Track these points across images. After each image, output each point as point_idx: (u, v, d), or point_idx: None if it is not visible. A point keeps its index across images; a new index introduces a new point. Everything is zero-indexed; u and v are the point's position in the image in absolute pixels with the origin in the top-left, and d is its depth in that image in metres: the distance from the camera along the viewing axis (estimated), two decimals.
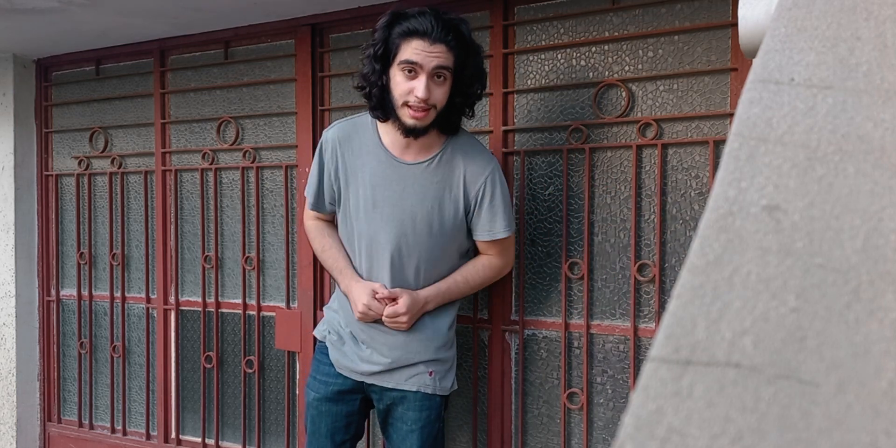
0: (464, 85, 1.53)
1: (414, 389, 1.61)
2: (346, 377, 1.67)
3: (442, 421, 1.67)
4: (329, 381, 1.69)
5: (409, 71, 1.46)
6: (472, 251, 1.72)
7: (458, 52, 1.48)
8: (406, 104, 1.49)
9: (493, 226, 1.61)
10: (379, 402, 1.67)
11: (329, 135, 1.67)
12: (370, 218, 1.61)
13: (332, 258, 1.70)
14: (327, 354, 1.70)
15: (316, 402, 1.70)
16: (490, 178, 1.60)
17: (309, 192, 1.72)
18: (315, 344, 2.15)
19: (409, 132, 1.53)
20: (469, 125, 1.85)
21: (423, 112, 1.48)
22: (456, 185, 1.60)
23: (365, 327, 1.63)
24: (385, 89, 1.51)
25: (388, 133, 1.60)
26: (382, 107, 1.54)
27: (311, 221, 1.78)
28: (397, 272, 1.60)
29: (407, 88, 1.47)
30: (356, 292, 1.61)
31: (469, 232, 1.66)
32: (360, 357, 1.64)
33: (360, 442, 1.78)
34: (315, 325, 2.17)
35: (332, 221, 1.78)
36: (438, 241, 1.60)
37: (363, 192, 1.61)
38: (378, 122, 1.62)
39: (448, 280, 1.64)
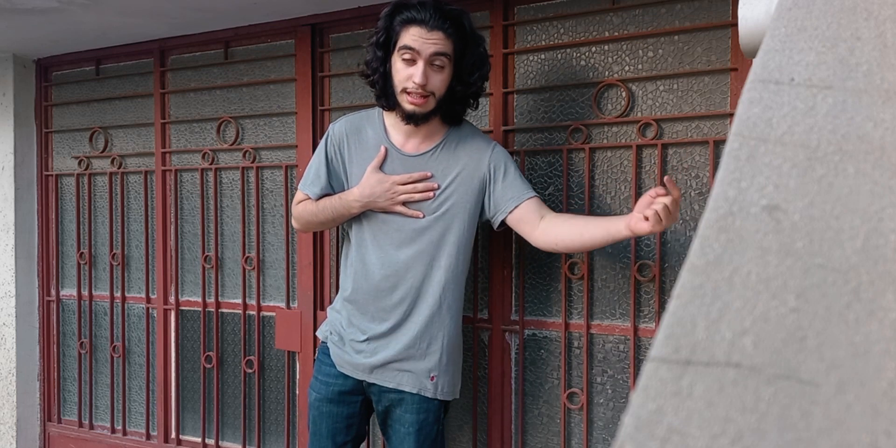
0: (464, 73, 1.55)
1: (414, 391, 1.61)
2: (346, 377, 1.67)
3: (441, 424, 1.66)
4: (330, 381, 1.69)
5: (408, 57, 1.50)
6: (470, 247, 1.69)
7: (457, 41, 1.51)
8: (405, 90, 1.52)
9: (516, 192, 1.59)
10: (378, 403, 1.67)
11: (336, 128, 1.69)
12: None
13: (323, 201, 1.66)
14: (329, 355, 1.70)
15: (317, 402, 1.70)
16: (494, 154, 1.62)
17: (311, 182, 1.69)
18: (315, 344, 2.16)
19: (409, 118, 1.56)
20: None
21: (421, 99, 1.52)
22: (462, 170, 1.61)
23: (379, 325, 1.63)
24: (387, 76, 1.55)
25: (393, 125, 1.63)
26: (385, 94, 1.57)
27: (299, 205, 1.74)
28: (406, 262, 1.60)
29: (406, 75, 1.51)
30: (371, 180, 1.58)
31: (472, 227, 1.65)
32: (362, 353, 1.64)
33: (361, 443, 1.78)
34: (315, 324, 2.17)
35: None
36: (442, 228, 1.60)
37: None
38: (384, 116, 1.65)
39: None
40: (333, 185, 1.68)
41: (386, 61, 1.55)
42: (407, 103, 1.53)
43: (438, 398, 1.63)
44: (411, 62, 1.50)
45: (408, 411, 1.62)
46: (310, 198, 1.69)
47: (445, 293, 1.62)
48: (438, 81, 1.52)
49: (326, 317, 1.79)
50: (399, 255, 1.61)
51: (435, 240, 1.60)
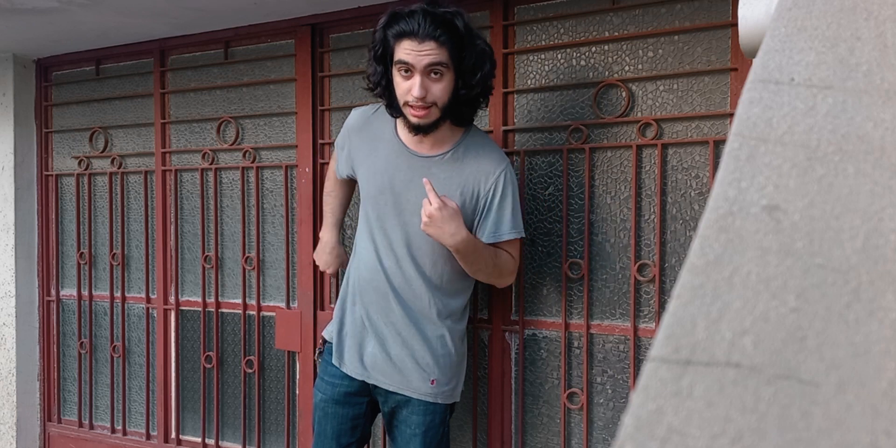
0: (465, 75, 1.51)
1: (416, 395, 1.61)
2: (352, 379, 1.66)
3: (446, 426, 1.66)
4: (336, 382, 1.68)
5: (405, 71, 1.48)
6: None
7: (452, 46, 1.46)
8: (407, 103, 1.50)
9: (497, 227, 1.59)
10: (384, 404, 1.67)
11: (349, 120, 1.74)
12: (377, 203, 1.63)
13: (327, 205, 1.91)
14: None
15: (322, 403, 1.69)
16: (501, 178, 1.58)
17: (335, 160, 1.83)
18: (315, 344, 2.16)
19: (416, 129, 1.55)
20: None
21: (423, 110, 1.49)
22: (465, 183, 1.59)
23: (376, 325, 1.63)
24: (390, 88, 1.54)
25: (403, 126, 1.62)
26: (392, 106, 1.57)
27: (329, 173, 1.93)
28: (403, 275, 1.60)
29: (405, 88, 1.49)
30: (320, 245, 1.92)
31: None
32: (362, 357, 1.64)
33: (365, 445, 1.77)
34: (315, 324, 2.17)
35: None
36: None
37: (372, 178, 1.64)
38: None
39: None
40: (350, 167, 1.74)
41: (386, 74, 1.53)
42: (411, 116, 1.51)
43: (440, 402, 1.63)
44: (408, 76, 1.48)
45: (414, 413, 1.62)
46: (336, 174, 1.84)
47: (447, 303, 1.63)
48: (438, 91, 1.49)
49: (328, 317, 1.79)
50: (397, 267, 1.61)
51: (433, 254, 1.60)
